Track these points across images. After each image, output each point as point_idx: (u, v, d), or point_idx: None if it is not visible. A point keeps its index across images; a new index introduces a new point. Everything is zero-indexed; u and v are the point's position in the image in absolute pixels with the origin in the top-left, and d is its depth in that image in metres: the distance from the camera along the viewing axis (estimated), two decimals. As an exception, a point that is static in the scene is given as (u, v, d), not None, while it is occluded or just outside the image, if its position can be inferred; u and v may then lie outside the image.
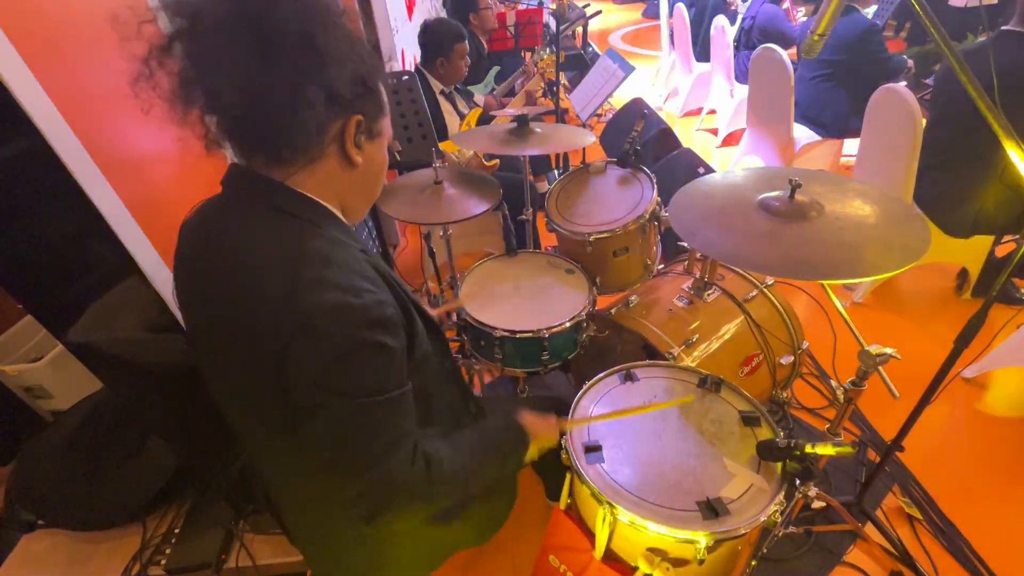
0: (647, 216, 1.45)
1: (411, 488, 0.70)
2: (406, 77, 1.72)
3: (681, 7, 4.01)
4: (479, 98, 2.84)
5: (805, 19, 3.68)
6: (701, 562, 0.80)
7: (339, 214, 0.72)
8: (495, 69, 3.05)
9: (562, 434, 0.97)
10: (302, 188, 0.67)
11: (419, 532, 0.93)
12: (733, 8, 4.31)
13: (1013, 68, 1.70)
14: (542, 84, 2.71)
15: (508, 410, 0.93)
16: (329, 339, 0.59)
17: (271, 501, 0.95)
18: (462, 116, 2.49)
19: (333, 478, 0.71)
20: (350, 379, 0.62)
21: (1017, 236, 2.05)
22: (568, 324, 1.35)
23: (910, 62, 2.88)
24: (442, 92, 2.40)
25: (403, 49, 3.41)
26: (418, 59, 2.44)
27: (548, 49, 2.71)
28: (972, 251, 2.13)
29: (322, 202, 0.69)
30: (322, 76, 0.61)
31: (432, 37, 2.32)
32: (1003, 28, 1.81)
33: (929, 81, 3.24)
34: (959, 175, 1.97)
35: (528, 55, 2.98)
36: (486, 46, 3.44)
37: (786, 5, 3.65)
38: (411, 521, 0.88)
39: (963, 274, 2.29)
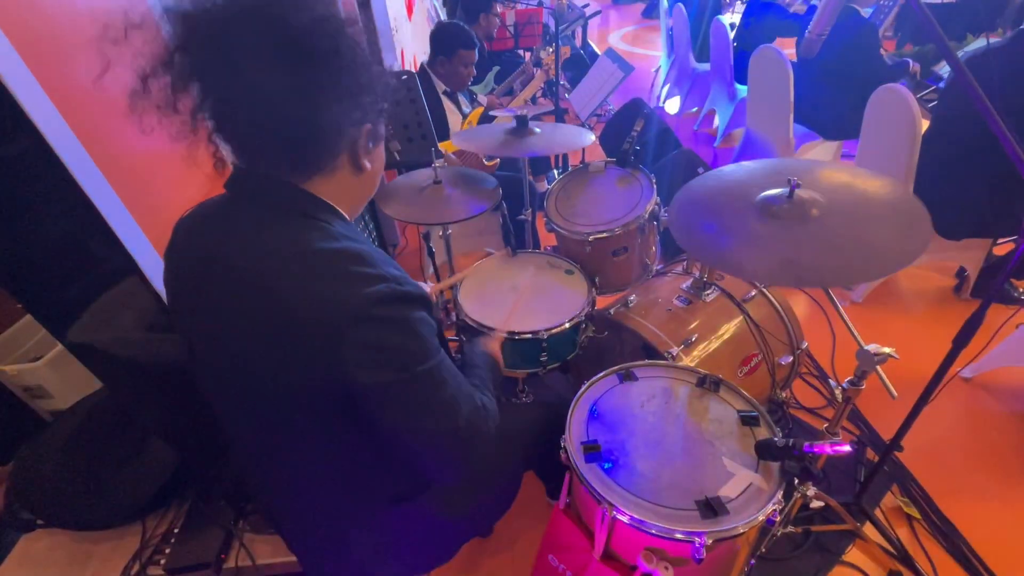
0: (646, 216, 1.45)
1: (486, 427, 0.76)
2: (405, 77, 1.72)
3: (681, 7, 4.01)
4: (481, 98, 2.84)
5: (802, 11, 3.67)
6: (699, 561, 0.81)
7: (342, 210, 0.74)
8: (495, 69, 3.06)
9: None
10: (319, 193, 0.70)
11: (427, 522, 0.93)
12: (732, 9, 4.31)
13: None
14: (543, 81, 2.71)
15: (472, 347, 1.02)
16: (389, 323, 0.63)
17: (269, 511, 0.95)
18: (464, 116, 2.50)
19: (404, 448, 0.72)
20: (414, 352, 0.66)
21: (1015, 237, 2.05)
22: (567, 324, 1.36)
23: (915, 66, 2.87)
24: (445, 92, 2.40)
25: (402, 49, 3.41)
26: (420, 59, 2.44)
27: (546, 47, 2.71)
28: (971, 251, 2.13)
29: (335, 206, 0.72)
30: (344, 89, 0.63)
31: (439, 36, 2.33)
32: (1022, 28, 1.81)
33: (929, 81, 3.25)
34: (958, 176, 1.97)
35: (528, 55, 2.99)
36: (486, 46, 3.44)
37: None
38: (426, 506, 0.88)
39: (962, 274, 2.29)
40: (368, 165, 0.73)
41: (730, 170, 1.22)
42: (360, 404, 0.66)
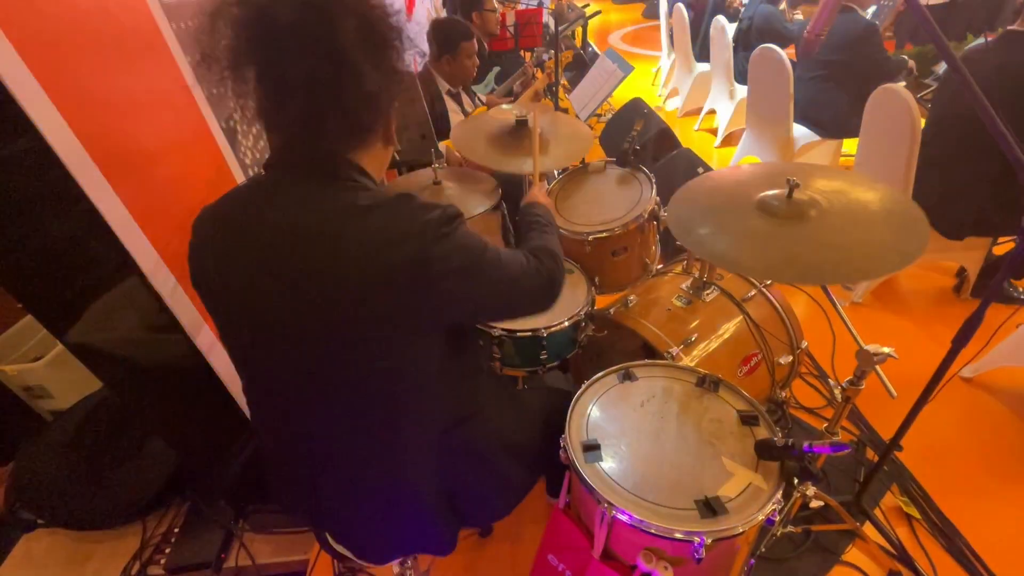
0: (646, 216, 1.45)
1: (554, 274, 0.90)
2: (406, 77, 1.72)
3: (681, 7, 4.01)
4: (482, 97, 2.84)
5: (802, 19, 3.68)
6: (699, 561, 0.81)
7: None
8: (495, 70, 3.06)
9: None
10: (361, 163, 0.77)
11: (475, 451, 0.95)
12: (733, 8, 4.30)
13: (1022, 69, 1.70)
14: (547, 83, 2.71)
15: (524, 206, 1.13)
16: (454, 237, 0.73)
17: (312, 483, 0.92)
18: (467, 116, 2.49)
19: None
20: (478, 250, 0.77)
21: (1014, 236, 2.05)
22: (567, 323, 1.36)
23: (911, 63, 2.88)
24: (448, 92, 2.40)
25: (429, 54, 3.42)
26: (420, 59, 2.44)
27: (545, 52, 2.71)
28: (970, 251, 2.13)
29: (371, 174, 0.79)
30: (392, 67, 0.72)
31: (439, 35, 2.32)
32: (1009, 28, 1.81)
33: (929, 81, 3.25)
34: (957, 175, 1.97)
35: (528, 55, 2.99)
36: (487, 47, 3.44)
37: (783, 6, 3.65)
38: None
39: (962, 273, 2.29)
40: (394, 137, 0.83)
41: (728, 173, 1.22)
42: (447, 315, 0.77)
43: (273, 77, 0.66)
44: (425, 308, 0.73)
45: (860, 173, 1.10)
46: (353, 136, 0.74)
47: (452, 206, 0.76)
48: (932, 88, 3.24)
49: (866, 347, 1.00)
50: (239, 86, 0.67)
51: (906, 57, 2.88)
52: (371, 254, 0.69)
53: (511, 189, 1.71)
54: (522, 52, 4.03)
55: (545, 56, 2.64)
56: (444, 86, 2.37)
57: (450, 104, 2.41)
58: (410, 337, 0.76)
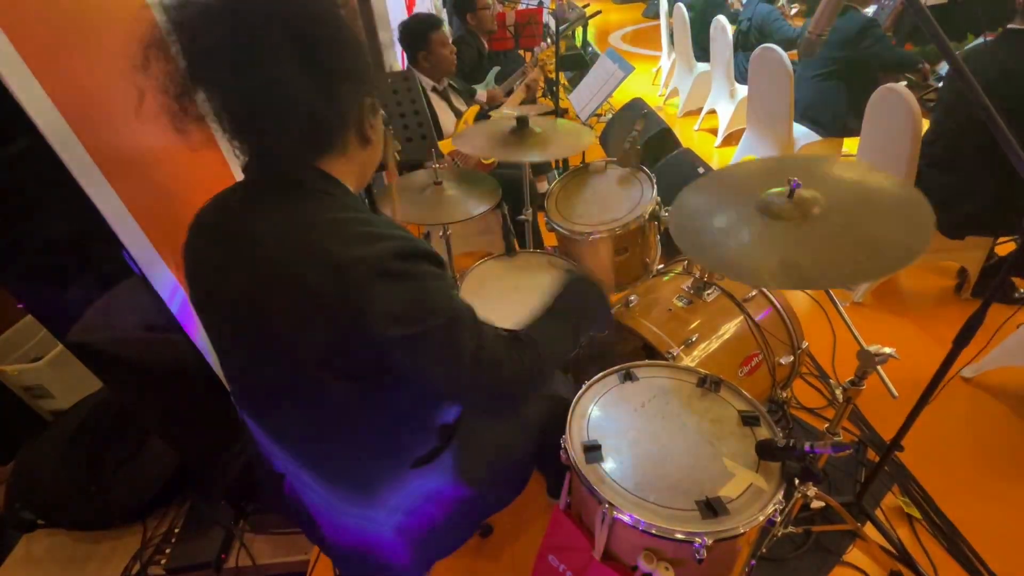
0: (647, 216, 1.45)
1: (522, 369, 0.75)
2: (405, 76, 1.72)
3: (681, 7, 4.01)
4: (481, 94, 2.83)
5: (799, 17, 3.67)
6: (700, 561, 0.81)
7: (351, 187, 0.78)
8: (495, 69, 3.05)
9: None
10: (330, 170, 0.73)
11: (447, 488, 0.93)
12: (734, 8, 4.30)
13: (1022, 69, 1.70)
14: (542, 78, 2.70)
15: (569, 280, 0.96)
16: (407, 276, 0.66)
17: (293, 492, 0.94)
18: (458, 114, 2.48)
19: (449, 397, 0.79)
20: (435, 303, 0.68)
21: (1015, 236, 2.05)
22: (568, 324, 1.35)
23: (925, 66, 2.86)
24: (434, 89, 2.38)
25: (403, 50, 3.41)
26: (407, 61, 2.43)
27: (548, 40, 2.70)
28: (971, 251, 2.13)
29: (342, 181, 0.75)
30: (348, 69, 0.67)
31: (407, 34, 2.30)
32: (1009, 27, 1.81)
33: (931, 82, 3.24)
34: (959, 176, 1.97)
35: (528, 55, 2.98)
36: (487, 46, 3.43)
37: (780, 2, 3.65)
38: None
39: (963, 273, 2.29)
40: (373, 136, 0.78)
41: (730, 169, 1.22)
42: (388, 360, 0.68)
43: (216, 98, 0.64)
44: (358, 354, 0.67)
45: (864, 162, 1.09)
46: (311, 146, 0.70)
47: (426, 246, 0.69)
48: (934, 88, 3.23)
49: (867, 347, 0.99)
50: (192, 106, 0.66)
51: (919, 57, 2.87)
52: (300, 275, 0.64)
53: (511, 189, 1.71)
54: (522, 52, 4.03)
55: (537, 49, 2.63)
56: (428, 83, 2.35)
57: (438, 103, 2.38)
58: (353, 383, 0.71)
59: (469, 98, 2.66)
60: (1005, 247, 2.16)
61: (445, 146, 2.19)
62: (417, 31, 2.28)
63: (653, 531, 0.82)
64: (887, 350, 0.98)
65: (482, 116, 2.47)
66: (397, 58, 2.98)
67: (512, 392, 0.77)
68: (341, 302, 0.63)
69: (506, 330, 0.79)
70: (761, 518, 0.83)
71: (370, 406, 0.75)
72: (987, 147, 1.83)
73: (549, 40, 2.78)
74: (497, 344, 0.74)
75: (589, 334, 0.94)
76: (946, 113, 2.03)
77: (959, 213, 1.99)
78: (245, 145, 0.70)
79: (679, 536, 0.82)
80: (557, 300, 0.89)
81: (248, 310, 0.70)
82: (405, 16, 3.17)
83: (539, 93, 2.82)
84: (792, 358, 1.47)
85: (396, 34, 2.45)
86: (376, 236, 0.66)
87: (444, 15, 4.06)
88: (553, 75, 2.61)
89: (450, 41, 2.35)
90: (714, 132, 3.98)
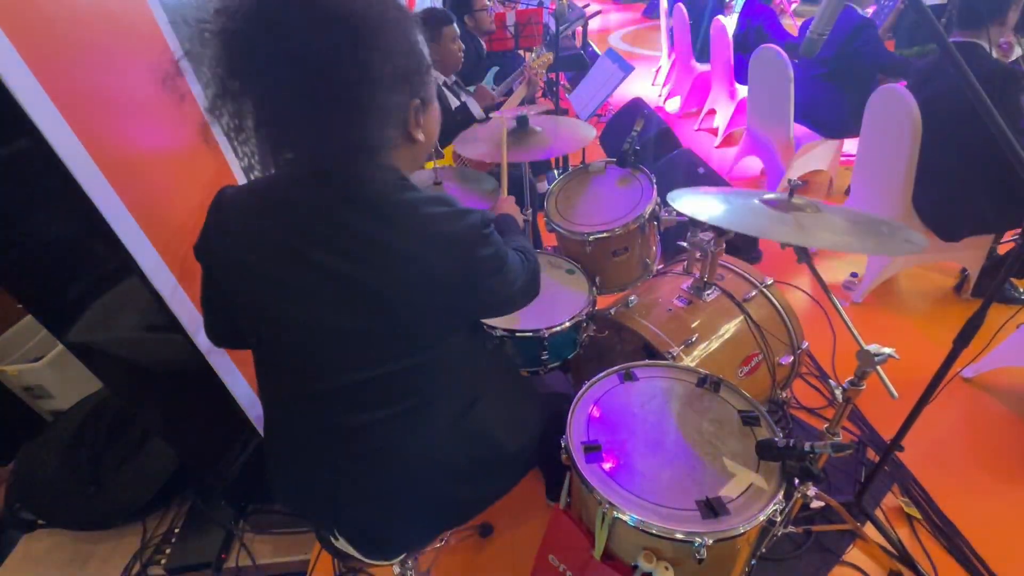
0: (647, 216, 1.45)
1: (537, 269, 0.94)
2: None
3: (681, 7, 4.01)
4: (480, 94, 2.83)
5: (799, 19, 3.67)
6: (700, 561, 0.81)
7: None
8: (494, 69, 3.05)
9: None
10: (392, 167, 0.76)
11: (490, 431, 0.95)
12: (730, 12, 4.30)
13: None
14: (543, 79, 2.70)
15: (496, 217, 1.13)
16: (490, 239, 0.77)
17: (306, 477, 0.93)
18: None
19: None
20: (503, 253, 0.81)
21: (1015, 236, 2.05)
22: (568, 324, 1.36)
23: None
24: (444, 84, 2.39)
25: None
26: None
27: (543, 48, 2.70)
28: (971, 251, 2.13)
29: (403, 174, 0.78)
30: (394, 75, 0.67)
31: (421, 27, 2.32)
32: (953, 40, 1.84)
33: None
34: (952, 178, 1.97)
35: (528, 55, 2.98)
36: (485, 46, 3.43)
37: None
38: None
39: (963, 273, 2.29)
40: (420, 136, 0.78)
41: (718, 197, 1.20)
42: (482, 312, 0.88)
43: (267, 105, 0.64)
44: (467, 307, 0.81)
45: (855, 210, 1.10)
46: (361, 147, 0.69)
47: (482, 210, 0.78)
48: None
49: (867, 347, 0.99)
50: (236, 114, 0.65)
51: (917, 57, 2.87)
52: (419, 255, 0.70)
53: (511, 188, 1.70)
54: (522, 52, 4.03)
55: (539, 51, 2.63)
56: (440, 78, 2.37)
57: (452, 100, 2.40)
58: (448, 330, 0.81)
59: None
60: (1004, 246, 2.15)
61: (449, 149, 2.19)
62: (430, 23, 2.30)
63: (653, 531, 0.82)
64: (887, 350, 0.97)
65: (483, 118, 2.47)
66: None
67: (536, 280, 0.93)
68: (462, 273, 0.74)
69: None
70: (761, 518, 0.83)
71: (446, 350, 0.83)
72: (977, 147, 1.84)
73: (544, 48, 2.79)
74: (522, 255, 0.91)
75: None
76: (936, 114, 2.03)
77: (954, 216, 1.99)
78: (285, 149, 0.69)
79: (679, 536, 0.82)
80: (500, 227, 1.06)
81: (337, 291, 0.72)
82: (406, 15, 3.16)
83: (539, 93, 2.82)
84: (792, 358, 1.47)
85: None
86: (462, 211, 0.75)
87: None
88: (543, 84, 2.62)
89: (458, 36, 2.36)
90: (714, 132, 3.98)
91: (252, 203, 0.77)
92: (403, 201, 0.72)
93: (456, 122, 2.22)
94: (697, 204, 1.12)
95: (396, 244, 0.70)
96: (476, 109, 2.33)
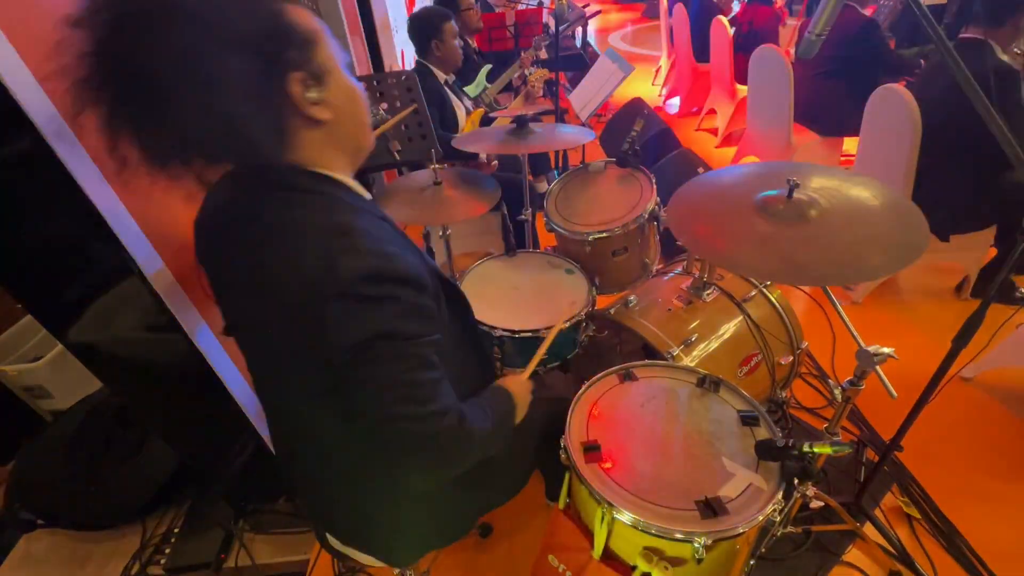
0: (646, 216, 1.45)
1: (445, 437, 0.70)
2: (405, 77, 1.72)
3: (681, 7, 4.01)
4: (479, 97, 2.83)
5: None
6: (699, 561, 0.81)
7: (348, 180, 0.73)
8: (487, 67, 3.05)
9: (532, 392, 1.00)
10: (305, 161, 0.68)
11: (448, 495, 0.94)
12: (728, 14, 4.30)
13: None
14: (542, 80, 2.71)
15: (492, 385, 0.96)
16: (370, 302, 0.62)
17: (298, 480, 0.94)
18: (467, 110, 2.49)
19: (372, 430, 0.69)
20: (393, 329, 0.64)
21: (996, 235, 2.06)
22: (568, 324, 1.36)
23: (922, 63, 2.87)
24: (446, 83, 2.40)
25: (403, 51, 3.40)
26: (416, 56, 2.45)
27: (536, 66, 2.72)
28: (970, 251, 2.13)
29: (328, 172, 0.70)
30: (230, 67, 0.57)
31: (420, 24, 2.33)
32: (961, 36, 1.85)
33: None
34: (937, 176, 1.97)
35: (524, 54, 2.97)
36: (476, 44, 3.43)
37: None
38: (438, 480, 0.82)
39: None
40: (324, 114, 0.66)
41: (726, 173, 1.22)
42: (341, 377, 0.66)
43: (144, 138, 0.59)
44: (314, 374, 0.69)
45: (855, 173, 1.10)
46: (257, 152, 0.63)
47: (407, 268, 0.65)
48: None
49: (866, 347, 1.00)
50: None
51: (917, 58, 2.87)
52: (289, 287, 0.63)
53: (511, 190, 1.71)
54: (523, 52, 4.03)
55: (535, 51, 2.64)
56: (442, 77, 2.37)
57: (452, 96, 2.40)
58: (305, 398, 0.73)
59: (462, 98, 2.66)
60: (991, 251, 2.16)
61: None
62: (432, 20, 2.31)
63: (652, 531, 0.83)
64: (886, 350, 0.98)
65: (485, 121, 2.48)
66: (397, 59, 2.98)
67: (441, 444, 0.69)
68: (306, 314, 0.62)
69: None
70: (760, 518, 0.83)
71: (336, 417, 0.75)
72: (958, 147, 1.85)
73: (541, 45, 2.79)
74: (443, 392, 0.70)
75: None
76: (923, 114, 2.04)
77: (940, 214, 2.00)
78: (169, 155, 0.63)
79: (678, 536, 0.82)
80: (486, 403, 0.86)
81: (243, 310, 0.72)
82: (405, 16, 3.16)
83: (539, 94, 2.82)
84: (792, 358, 1.47)
85: (405, 29, 2.46)
86: (349, 251, 0.62)
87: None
88: (540, 92, 2.64)
89: (458, 33, 2.37)
90: (714, 132, 3.98)
91: (206, 206, 0.78)
92: (281, 210, 0.65)
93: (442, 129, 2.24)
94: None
95: (260, 257, 0.65)
96: (462, 118, 2.34)
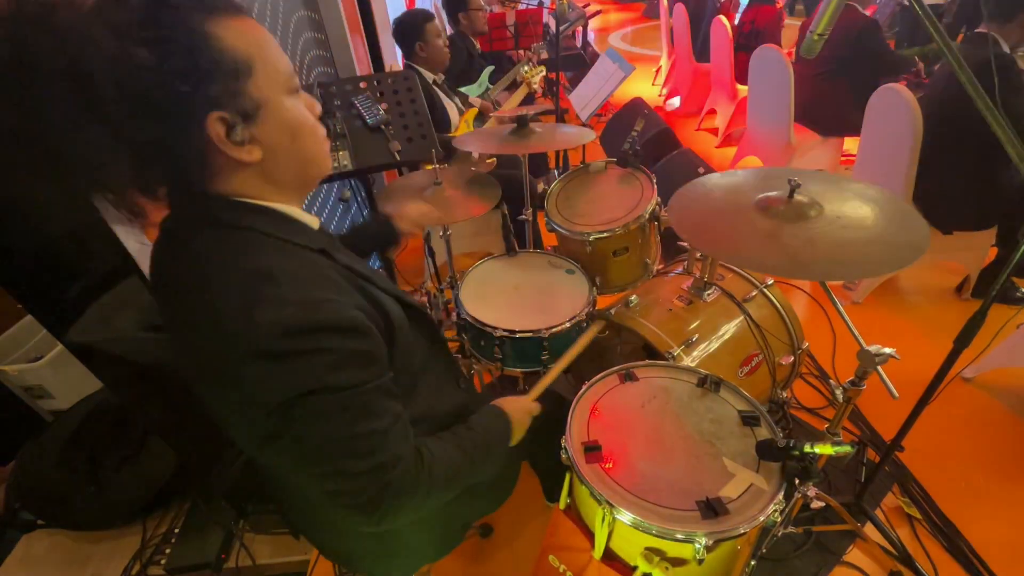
0: (647, 216, 1.45)
1: (401, 483, 0.67)
2: (404, 77, 1.72)
3: (681, 7, 4.01)
4: (475, 101, 2.84)
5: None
6: (700, 562, 0.80)
7: (287, 209, 0.67)
8: (489, 68, 3.05)
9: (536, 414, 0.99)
10: (231, 194, 0.62)
11: (436, 513, 0.93)
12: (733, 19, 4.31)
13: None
14: (542, 80, 2.71)
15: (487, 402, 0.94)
16: (292, 358, 0.57)
17: (274, 497, 0.95)
18: (459, 109, 2.49)
19: (326, 480, 0.65)
20: (322, 383, 0.59)
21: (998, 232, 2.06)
22: (568, 324, 1.35)
23: (920, 64, 2.88)
24: (434, 82, 2.41)
25: (400, 48, 3.39)
26: (403, 59, 2.46)
27: (532, 63, 2.73)
28: (971, 251, 2.13)
29: (262, 203, 0.64)
30: (139, 107, 0.52)
31: (403, 27, 2.36)
32: (977, 31, 1.85)
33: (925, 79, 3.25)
34: (938, 171, 1.97)
35: (524, 54, 2.98)
36: (478, 46, 3.43)
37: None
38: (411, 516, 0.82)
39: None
40: (252, 156, 0.60)
41: (726, 176, 1.22)
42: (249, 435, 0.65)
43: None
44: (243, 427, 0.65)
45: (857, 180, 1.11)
46: (182, 189, 0.60)
47: (334, 315, 0.60)
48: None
49: (867, 347, 0.99)
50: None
51: (915, 56, 2.88)
52: (208, 338, 0.60)
53: (511, 189, 1.71)
54: (522, 52, 4.03)
55: (526, 68, 2.65)
56: (430, 77, 2.39)
57: (441, 95, 2.41)
58: (251, 443, 0.68)
59: (464, 101, 2.67)
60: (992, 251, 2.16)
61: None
62: (414, 23, 2.34)
63: (653, 531, 0.82)
64: (887, 350, 0.98)
65: (480, 120, 2.48)
66: (397, 59, 2.98)
67: (397, 492, 0.66)
68: (233, 370, 0.58)
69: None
70: (761, 518, 0.83)
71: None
72: (959, 143, 1.85)
73: (540, 47, 2.80)
74: (392, 439, 0.66)
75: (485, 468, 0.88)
76: (928, 112, 2.04)
77: (946, 207, 2.00)
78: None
79: (679, 536, 0.82)
80: (467, 433, 0.84)
81: (186, 358, 0.68)
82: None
83: (539, 93, 2.82)
84: (792, 358, 1.47)
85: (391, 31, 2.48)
86: (266, 302, 0.56)
87: (444, 15, 4.05)
88: (539, 92, 2.64)
89: (441, 33, 2.39)
90: (714, 132, 3.98)
91: (159, 235, 0.71)
92: (202, 250, 0.61)
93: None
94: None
95: (184, 301, 0.62)
96: (454, 116, 2.35)
